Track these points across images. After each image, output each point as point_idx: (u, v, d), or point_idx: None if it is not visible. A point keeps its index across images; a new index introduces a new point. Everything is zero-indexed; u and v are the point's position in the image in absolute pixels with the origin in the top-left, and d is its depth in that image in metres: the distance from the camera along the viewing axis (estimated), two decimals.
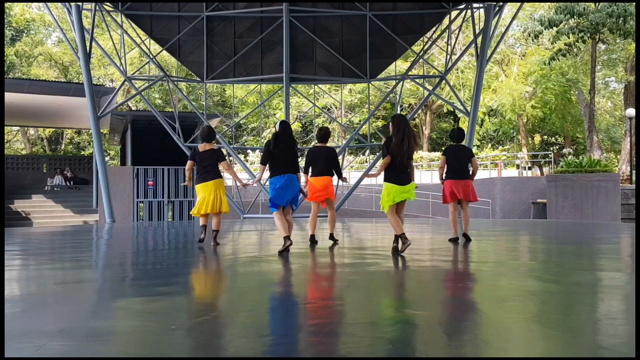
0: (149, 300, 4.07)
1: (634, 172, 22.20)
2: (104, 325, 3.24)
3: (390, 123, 6.18)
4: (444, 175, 7.42)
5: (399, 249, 6.11)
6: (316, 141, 7.49)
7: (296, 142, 6.73)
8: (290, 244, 6.25)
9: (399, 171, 6.09)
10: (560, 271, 5.16)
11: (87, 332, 3.07)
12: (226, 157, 7.52)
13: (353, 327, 3.21)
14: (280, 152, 6.43)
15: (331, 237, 7.35)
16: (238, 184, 7.37)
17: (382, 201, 6.21)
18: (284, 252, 6.20)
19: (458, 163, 7.32)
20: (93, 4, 14.49)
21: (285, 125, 6.63)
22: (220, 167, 7.21)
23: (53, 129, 36.88)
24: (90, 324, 3.27)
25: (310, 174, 7.23)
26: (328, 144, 7.49)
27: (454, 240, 7.33)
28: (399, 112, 35.08)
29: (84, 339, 2.93)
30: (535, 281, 4.63)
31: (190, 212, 7.36)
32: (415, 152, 6.18)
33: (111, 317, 3.49)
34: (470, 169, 7.51)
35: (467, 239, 7.33)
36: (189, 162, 7.21)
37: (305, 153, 8.01)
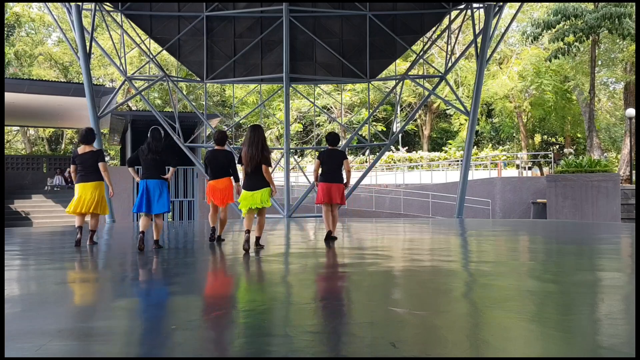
0: (149, 300, 4.07)
1: (634, 172, 22.19)
2: (104, 325, 3.24)
3: None
4: (319, 177, 7.70)
5: (248, 247, 6.48)
6: (214, 144, 7.64)
7: (163, 149, 6.86)
8: (142, 248, 6.58)
9: (249, 178, 6.52)
10: (560, 271, 5.16)
11: (87, 332, 3.07)
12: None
13: (353, 327, 3.21)
14: (148, 158, 6.69)
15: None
16: (110, 190, 7.42)
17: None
18: (141, 249, 6.59)
19: (330, 166, 7.60)
20: (93, 4, 14.48)
21: (156, 132, 6.78)
22: (100, 167, 7.22)
23: (53, 129, 36.89)
24: (90, 324, 3.27)
25: (209, 177, 7.54)
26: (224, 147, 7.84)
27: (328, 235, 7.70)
28: (398, 112, 35.20)
29: (84, 339, 2.93)
30: (535, 281, 4.63)
31: (65, 211, 7.47)
32: (263, 160, 6.47)
33: (111, 317, 3.49)
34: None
35: (332, 238, 7.60)
36: (71, 167, 7.32)
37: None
